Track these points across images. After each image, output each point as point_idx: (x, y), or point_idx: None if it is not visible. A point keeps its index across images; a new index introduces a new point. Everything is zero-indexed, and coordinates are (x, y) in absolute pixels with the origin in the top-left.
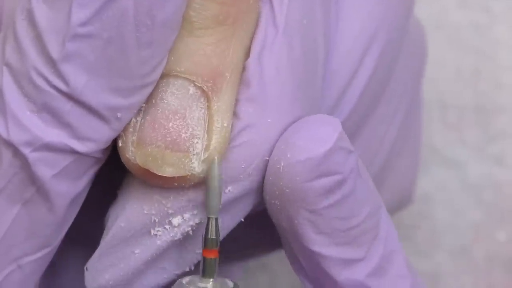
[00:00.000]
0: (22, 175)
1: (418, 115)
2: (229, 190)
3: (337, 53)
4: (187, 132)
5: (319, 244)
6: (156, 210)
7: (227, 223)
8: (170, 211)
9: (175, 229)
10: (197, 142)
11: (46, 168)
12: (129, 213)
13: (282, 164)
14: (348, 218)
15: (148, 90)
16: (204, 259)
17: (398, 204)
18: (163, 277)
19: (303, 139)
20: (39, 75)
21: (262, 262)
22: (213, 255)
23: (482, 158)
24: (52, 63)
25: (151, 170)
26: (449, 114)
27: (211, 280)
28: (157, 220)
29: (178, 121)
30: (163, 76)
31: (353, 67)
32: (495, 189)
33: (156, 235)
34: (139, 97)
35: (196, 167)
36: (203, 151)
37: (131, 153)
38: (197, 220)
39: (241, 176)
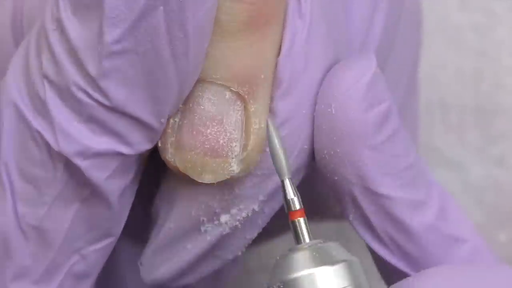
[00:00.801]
0: (76, 179)
1: (417, 97)
2: (272, 181)
3: (351, 21)
4: (225, 137)
5: (387, 186)
6: (203, 211)
7: (273, 209)
8: (217, 210)
9: (224, 225)
10: (235, 146)
11: (98, 172)
12: (177, 215)
13: (333, 106)
14: (403, 156)
15: (186, 93)
16: (292, 222)
17: None
18: (217, 263)
19: (346, 77)
20: (80, 89)
21: (262, 262)
22: (299, 215)
23: (483, 160)
24: (91, 79)
25: (191, 177)
26: (450, 115)
27: (305, 243)
28: (205, 219)
29: (216, 127)
30: (199, 81)
31: (364, 34)
32: (496, 190)
33: (206, 231)
34: (178, 102)
35: (235, 169)
36: (241, 151)
37: (170, 155)
38: (244, 215)
39: None
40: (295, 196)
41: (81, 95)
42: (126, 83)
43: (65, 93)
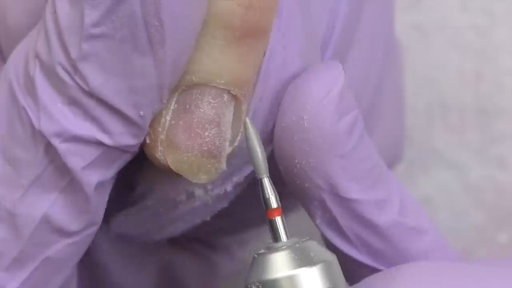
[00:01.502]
0: (55, 165)
1: (398, 63)
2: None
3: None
4: (221, 138)
5: (355, 191)
6: (182, 195)
7: (243, 187)
8: (196, 193)
9: (197, 199)
10: (227, 144)
11: (76, 159)
12: (156, 197)
13: (305, 118)
14: (368, 157)
15: (168, 87)
16: (270, 221)
17: (388, 159)
18: (185, 225)
19: (317, 89)
20: (64, 70)
21: None
22: (276, 214)
23: (484, 160)
24: (72, 61)
25: (185, 177)
26: (450, 116)
27: (284, 240)
28: (183, 200)
29: (213, 130)
30: (199, 85)
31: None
32: (497, 191)
33: (180, 203)
34: (159, 96)
35: (224, 165)
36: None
37: (160, 153)
38: (217, 192)
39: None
40: (272, 195)
41: (64, 76)
42: (103, 68)
43: (51, 73)
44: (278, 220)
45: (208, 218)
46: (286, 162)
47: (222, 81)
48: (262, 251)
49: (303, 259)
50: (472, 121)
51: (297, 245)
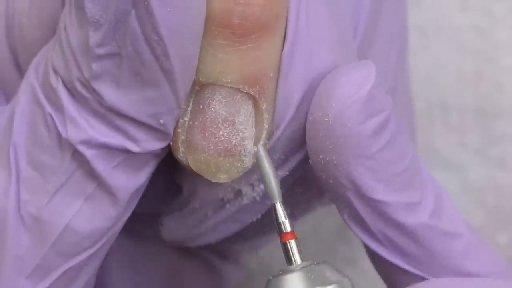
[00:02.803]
0: (82, 171)
1: (407, 60)
2: (294, 159)
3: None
4: (238, 137)
5: (381, 192)
6: (229, 193)
7: (292, 179)
8: (241, 188)
9: (245, 197)
10: (247, 143)
11: (104, 162)
12: (201, 196)
13: (330, 116)
14: (399, 160)
15: (183, 94)
16: (283, 245)
17: None
18: (236, 225)
19: (345, 86)
20: (83, 86)
21: (262, 266)
22: (290, 237)
23: (484, 161)
24: (86, 80)
25: (205, 177)
26: (450, 117)
27: (297, 264)
28: (230, 199)
29: (228, 128)
30: (209, 85)
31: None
32: (497, 192)
33: (228, 202)
34: (174, 102)
35: (248, 164)
36: (253, 147)
37: (182, 154)
38: (263, 187)
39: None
40: (286, 219)
41: (83, 91)
42: (116, 84)
43: (71, 87)
44: (292, 243)
45: (258, 216)
46: (313, 156)
47: (228, 80)
48: (277, 273)
49: (316, 280)
50: (472, 121)
51: (312, 266)
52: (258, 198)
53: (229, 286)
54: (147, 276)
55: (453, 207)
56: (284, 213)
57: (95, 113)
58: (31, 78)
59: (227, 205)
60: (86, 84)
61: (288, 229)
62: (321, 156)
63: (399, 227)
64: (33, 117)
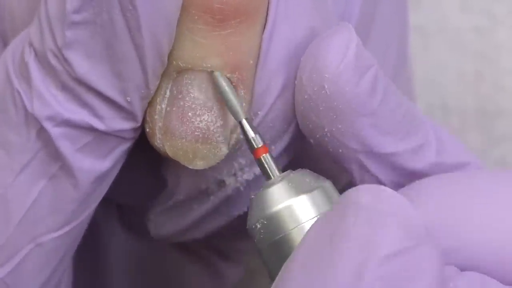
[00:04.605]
0: (46, 150)
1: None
2: (272, 149)
3: None
4: (216, 123)
5: (390, 144)
6: (211, 183)
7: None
8: (223, 178)
9: (228, 187)
10: (224, 130)
11: (68, 143)
12: (185, 187)
13: (326, 87)
14: (397, 107)
15: (151, 72)
16: (258, 160)
17: None
18: (223, 219)
19: (331, 55)
20: (55, 57)
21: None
22: (263, 151)
23: (484, 162)
24: (59, 49)
25: (182, 163)
26: (451, 118)
27: (276, 177)
28: (213, 189)
29: (206, 115)
30: (188, 70)
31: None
32: None
33: (212, 194)
34: (143, 80)
35: (225, 151)
36: (229, 134)
37: (159, 141)
38: (246, 177)
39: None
40: (256, 134)
41: (54, 62)
42: (88, 55)
43: (44, 60)
44: (267, 157)
45: (245, 209)
46: (316, 133)
47: (209, 65)
48: (259, 191)
49: (298, 188)
50: (473, 122)
51: (291, 175)
52: (242, 188)
53: (229, 286)
54: (147, 276)
55: (452, 138)
56: (253, 129)
57: (63, 87)
58: (7, 58)
59: (211, 197)
60: (57, 55)
61: (260, 143)
62: (326, 130)
63: (412, 174)
64: (3, 94)
